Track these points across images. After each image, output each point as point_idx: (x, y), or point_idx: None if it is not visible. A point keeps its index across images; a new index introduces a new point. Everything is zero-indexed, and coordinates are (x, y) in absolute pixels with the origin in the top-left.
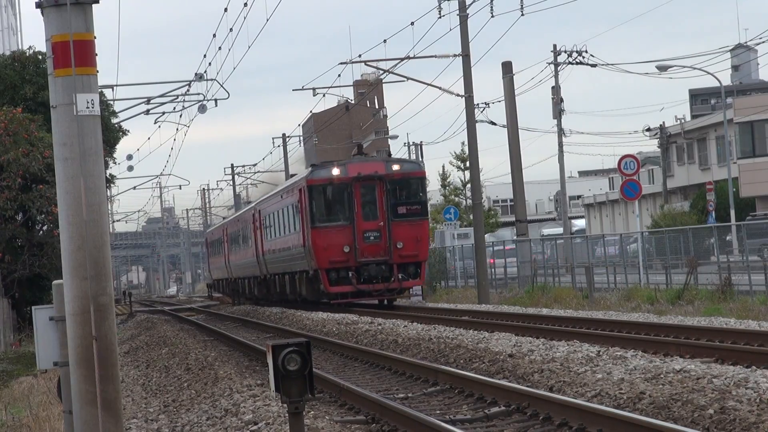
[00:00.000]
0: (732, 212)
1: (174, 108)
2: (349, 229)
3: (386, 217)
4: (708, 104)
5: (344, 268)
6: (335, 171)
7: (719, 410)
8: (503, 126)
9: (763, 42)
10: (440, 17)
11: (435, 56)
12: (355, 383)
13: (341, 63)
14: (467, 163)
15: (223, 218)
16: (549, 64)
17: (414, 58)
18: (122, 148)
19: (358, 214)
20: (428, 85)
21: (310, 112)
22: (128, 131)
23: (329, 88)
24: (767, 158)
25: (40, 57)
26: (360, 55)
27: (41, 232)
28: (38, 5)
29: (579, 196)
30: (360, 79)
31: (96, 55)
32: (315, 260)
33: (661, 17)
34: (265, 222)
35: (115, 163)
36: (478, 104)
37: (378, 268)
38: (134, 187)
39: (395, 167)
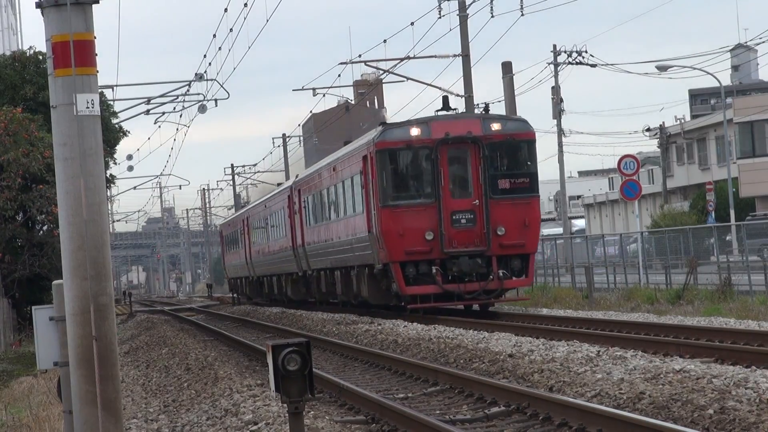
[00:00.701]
0: (732, 212)
1: (174, 108)
2: (432, 210)
3: (483, 194)
4: (708, 104)
5: (426, 261)
6: (414, 131)
7: (719, 410)
8: None
9: (763, 42)
10: (440, 17)
11: (435, 56)
12: (355, 383)
13: (341, 63)
14: None
15: (242, 207)
16: (549, 64)
17: (414, 58)
18: (122, 148)
19: (445, 189)
20: (428, 85)
21: (310, 112)
22: (128, 132)
23: (329, 88)
24: (767, 158)
25: (40, 57)
26: (360, 56)
27: (41, 232)
28: (38, 5)
29: (579, 196)
30: (360, 79)
31: (96, 55)
32: (386, 251)
33: (661, 17)
34: (308, 204)
35: (115, 163)
36: (478, 104)
37: (472, 261)
38: (134, 187)
39: (495, 126)
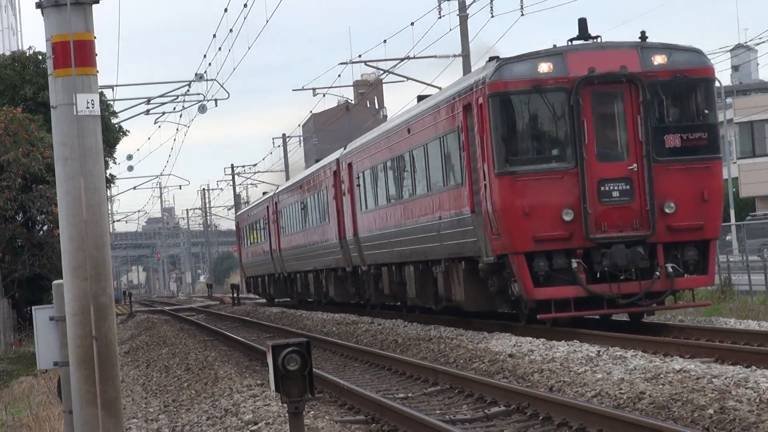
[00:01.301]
0: (732, 212)
1: (174, 108)
2: (571, 178)
3: (644, 155)
4: None
5: (562, 251)
6: (543, 66)
7: (719, 410)
8: None
9: (763, 42)
10: (440, 17)
11: (435, 56)
12: (355, 383)
13: (341, 63)
14: None
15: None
16: None
17: (414, 58)
18: (122, 148)
19: (590, 149)
20: (428, 85)
21: (310, 112)
22: (128, 131)
23: (329, 88)
24: (767, 158)
25: (40, 57)
26: (360, 55)
27: (41, 232)
28: (38, 5)
29: None
30: (360, 79)
31: (96, 55)
32: (504, 237)
33: (661, 17)
34: (363, 181)
35: (115, 163)
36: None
37: (630, 252)
38: (134, 187)
39: (659, 59)
